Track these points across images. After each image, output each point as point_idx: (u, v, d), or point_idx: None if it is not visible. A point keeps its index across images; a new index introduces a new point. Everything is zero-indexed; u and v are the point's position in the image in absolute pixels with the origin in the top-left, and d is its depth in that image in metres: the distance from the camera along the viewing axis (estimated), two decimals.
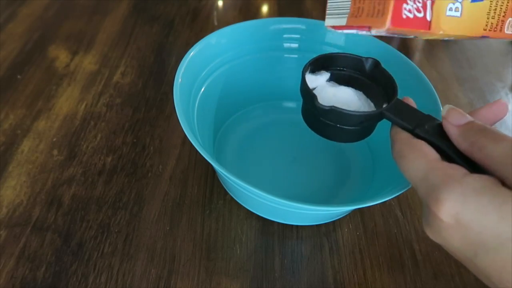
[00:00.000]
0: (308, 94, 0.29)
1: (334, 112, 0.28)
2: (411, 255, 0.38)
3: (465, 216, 0.20)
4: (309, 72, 0.32)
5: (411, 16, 0.25)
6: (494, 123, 0.26)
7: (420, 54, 0.63)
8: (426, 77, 0.39)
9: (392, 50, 0.41)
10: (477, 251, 0.21)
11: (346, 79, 0.32)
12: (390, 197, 0.30)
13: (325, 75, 0.32)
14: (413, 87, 0.39)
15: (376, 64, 0.31)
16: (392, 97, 0.29)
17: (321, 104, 0.28)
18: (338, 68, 0.32)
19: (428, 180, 0.22)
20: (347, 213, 0.40)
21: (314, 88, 0.31)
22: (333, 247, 0.38)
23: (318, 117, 0.30)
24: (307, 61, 0.31)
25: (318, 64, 0.32)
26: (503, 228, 0.19)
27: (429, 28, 0.26)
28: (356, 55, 0.32)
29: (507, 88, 0.58)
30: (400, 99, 0.28)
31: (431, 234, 0.23)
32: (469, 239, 0.21)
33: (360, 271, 0.37)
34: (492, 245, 0.20)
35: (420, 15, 0.26)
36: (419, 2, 0.25)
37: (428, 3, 0.25)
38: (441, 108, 0.36)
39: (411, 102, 0.28)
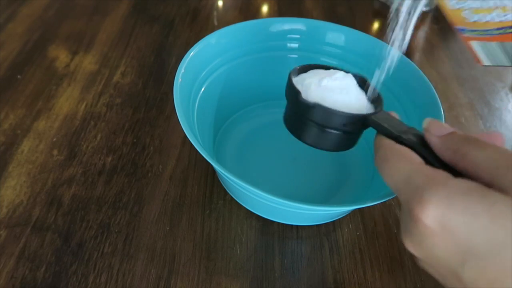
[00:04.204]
0: (292, 90, 0.29)
1: (318, 109, 0.27)
2: (411, 255, 0.38)
3: (452, 219, 0.19)
4: (296, 76, 0.31)
5: None
6: None
7: (420, 54, 0.63)
8: (426, 77, 0.39)
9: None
10: (465, 259, 0.19)
11: None
12: (390, 197, 0.30)
13: (316, 72, 0.32)
14: (413, 87, 0.39)
15: (364, 80, 0.31)
16: (378, 108, 0.28)
17: (305, 100, 0.27)
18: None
19: (411, 182, 0.21)
20: (347, 213, 0.40)
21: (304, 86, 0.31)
22: (333, 247, 0.38)
23: (300, 117, 0.29)
24: (297, 66, 0.31)
25: (306, 70, 0.32)
26: (495, 231, 0.17)
27: None
28: (345, 70, 0.31)
29: (507, 88, 0.58)
30: (386, 111, 0.28)
31: (411, 244, 0.21)
32: (455, 245, 0.19)
33: (360, 271, 0.37)
34: (483, 251, 0.18)
35: None
36: None
37: None
38: (441, 109, 0.36)
39: (396, 116, 0.28)
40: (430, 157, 0.24)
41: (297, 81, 0.31)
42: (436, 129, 0.24)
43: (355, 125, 0.28)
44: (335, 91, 0.29)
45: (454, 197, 0.19)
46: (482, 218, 0.18)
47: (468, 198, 0.18)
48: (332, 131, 0.28)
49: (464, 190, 0.19)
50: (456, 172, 0.22)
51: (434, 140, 0.23)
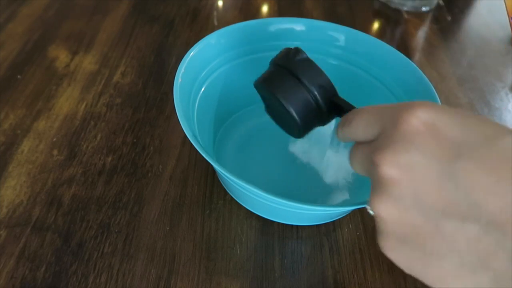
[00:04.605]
0: (286, 49, 0.30)
1: (309, 63, 0.29)
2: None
3: (442, 119, 0.18)
4: None
5: None
6: None
7: (420, 54, 0.63)
8: (426, 77, 0.39)
9: (392, 50, 0.41)
10: (459, 153, 0.17)
11: None
12: None
13: None
14: (413, 87, 0.39)
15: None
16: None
17: (304, 51, 0.29)
18: None
19: (396, 104, 0.20)
20: (347, 213, 0.40)
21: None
22: (333, 247, 0.38)
23: (282, 68, 0.30)
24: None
25: None
26: (488, 126, 0.18)
27: None
28: None
29: (507, 88, 0.58)
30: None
31: (390, 155, 0.19)
32: (448, 141, 0.18)
33: (360, 271, 0.37)
34: (479, 141, 0.17)
35: None
36: None
37: None
38: None
39: None
40: None
41: None
42: None
43: (328, 92, 0.29)
44: None
45: (441, 107, 0.19)
46: (473, 119, 0.18)
47: (456, 109, 0.19)
48: (304, 90, 0.29)
49: (450, 108, 0.19)
50: None
51: None
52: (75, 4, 0.63)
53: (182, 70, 0.36)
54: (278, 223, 0.39)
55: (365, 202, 0.32)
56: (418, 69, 0.39)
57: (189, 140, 0.31)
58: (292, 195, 0.40)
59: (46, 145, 0.44)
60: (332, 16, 0.67)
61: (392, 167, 0.19)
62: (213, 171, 0.43)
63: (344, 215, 0.40)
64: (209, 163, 0.31)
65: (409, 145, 0.18)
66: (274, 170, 0.42)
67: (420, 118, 0.18)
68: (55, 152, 0.43)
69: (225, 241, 0.37)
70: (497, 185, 0.17)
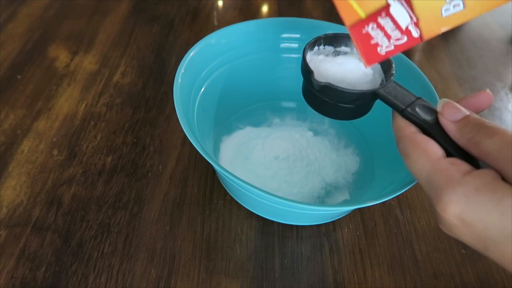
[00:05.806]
0: (306, 70, 0.30)
1: (329, 89, 0.29)
2: (411, 255, 0.38)
3: (469, 215, 0.21)
4: (311, 51, 0.32)
5: (391, 48, 0.26)
6: (481, 110, 0.27)
7: (420, 54, 0.63)
8: (426, 77, 0.39)
9: None
10: (486, 245, 0.22)
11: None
12: (390, 197, 0.30)
13: (329, 49, 0.33)
14: (413, 87, 0.39)
15: None
16: (389, 78, 0.29)
17: (317, 80, 0.29)
18: (342, 46, 0.33)
19: (431, 182, 0.23)
20: (347, 213, 0.40)
21: (318, 61, 0.32)
22: (333, 247, 0.38)
23: (315, 93, 0.30)
24: (309, 40, 0.32)
25: (321, 43, 0.33)
26: (505, 223, 0.20)
27: (421, 40, 0.26)
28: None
29: (507, 88, 0.58)
30: (396, 81, 0.29)
31: (444, 230, 0.24)
32: (476, 235, 0.22)
33: (360, 271, 0.37)
34: (499, 239, 0.21)
35: (403, 40, 0.26)
36: (396, 35, 0.25)
37: (410, 26, 0.25)
38: None
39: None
40: (441, 139, 0.25)
41: (312, 55, 0.32)
42: (450, 114, 0.25)
43: (365, 99, 0.29)
44: (348, 65, 0.31)
45: (469, 196, 0.21)
46: (493, 214, 0.21)
47: (481, 196, 0.21)
48: (345, 105, 0.30)
49: (478, 187, 0.21)
50: (470, 156, 0.24)
51: (449, 126, 0.25)
52: (75, 4, 0.63)
53: (182, 70, 0.36)
54: (278, 223, 0.39)
55: (364, 203, 0.32)
56: (418, 69, 0.39)
57: (189, 140, 0.31)
58: (292, 195, 0.40)
59: (46, 145, 0.44)
60: (332, 16, 0.67)
61: (447, 233, 0.24)
62: (213, 171, 0.43)
63: (344, 215, 0.40)
64: (209, 163, 0.31)
65: (451, 232, 0.23)
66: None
67: (451, 215, 0.22)
68: (55, 152, 0.43)
69: (225, 241, 0.37)
70: None
